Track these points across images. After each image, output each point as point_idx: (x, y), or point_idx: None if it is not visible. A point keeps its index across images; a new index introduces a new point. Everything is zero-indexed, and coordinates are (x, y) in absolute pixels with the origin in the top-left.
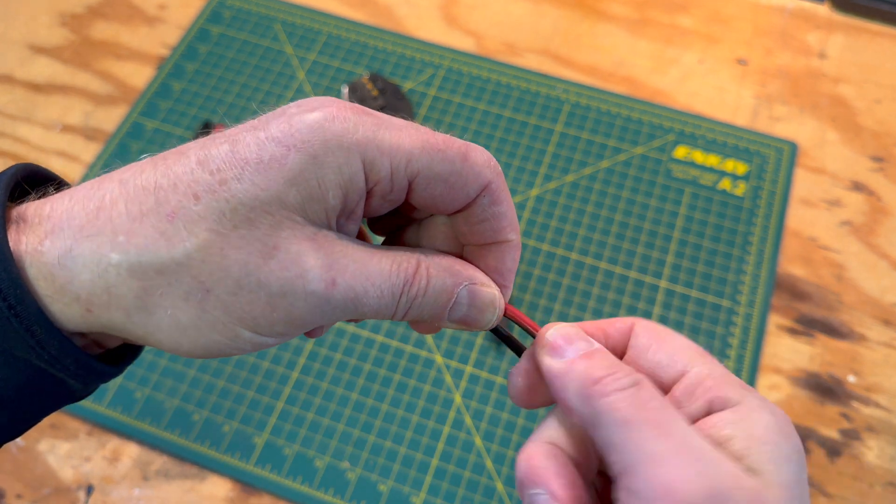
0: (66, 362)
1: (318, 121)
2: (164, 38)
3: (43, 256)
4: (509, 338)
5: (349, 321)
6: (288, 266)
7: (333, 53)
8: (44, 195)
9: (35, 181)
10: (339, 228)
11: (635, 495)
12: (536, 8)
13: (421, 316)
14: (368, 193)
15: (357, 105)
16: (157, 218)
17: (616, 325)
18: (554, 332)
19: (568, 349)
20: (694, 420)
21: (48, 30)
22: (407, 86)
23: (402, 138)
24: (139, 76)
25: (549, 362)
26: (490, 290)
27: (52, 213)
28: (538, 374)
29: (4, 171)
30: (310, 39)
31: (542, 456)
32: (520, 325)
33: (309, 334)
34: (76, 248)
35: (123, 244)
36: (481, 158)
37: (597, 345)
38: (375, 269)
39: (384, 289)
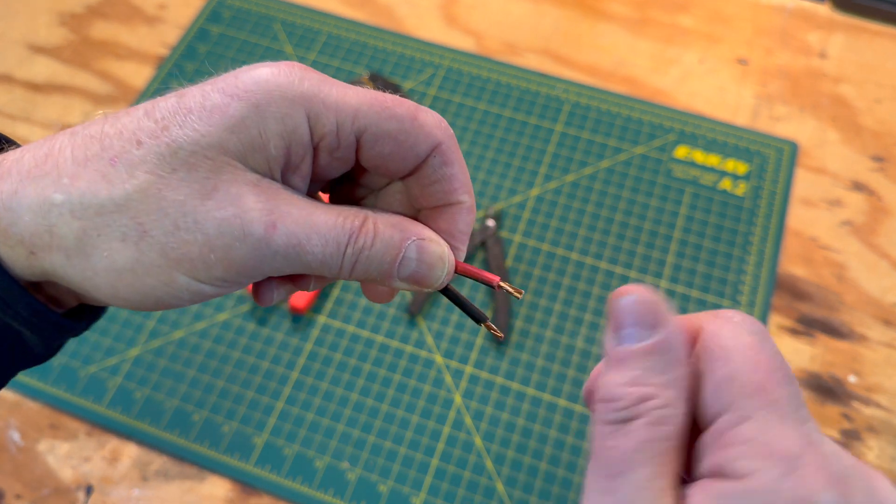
0: (18, 308)
1: (263, 75)
2: (163, 37)
3: None
4: (462, 301)
5: (295, 284)
6: (226, 206)
7: (333, 53)
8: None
9: None
10: (286, 183)
11: None
12: (536, 8)
13: (368, 272)
14: (315, 149)
15: (307, 66)
16: (101, 162)
17: (687, 325)
18: (630, 302)
19: (626, 331)
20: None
21: (48, 29)
22: (407, 85)
23: (349, 94)
24: (139, 76)
25: (607, 338)
26: (439, 246)
27: (2, 161)
28: None
29: None
30: (310, 39)
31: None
32: (476, 280)
33: (257, 298)
34: (21, 191)
35: (67, 186)
36: (432, 119)
37: (658, 336)
38: (321, 218)
39: (329, 238)
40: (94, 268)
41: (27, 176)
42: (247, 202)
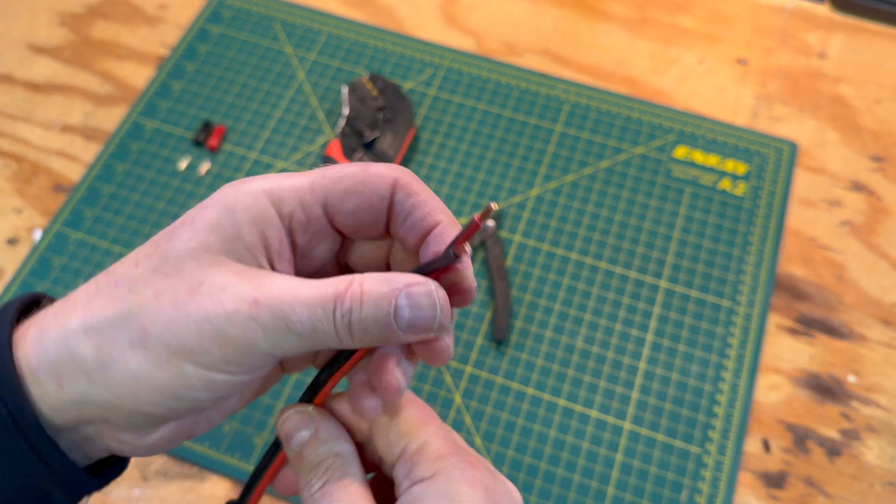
0: (54, 464)
1: (230, 186)
2: (164, 37)
3: (26, 345)
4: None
5: (290, 369)
6: (212, 295)
7: (333, 53)
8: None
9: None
10: (274, 270)
11: None
12: (536, 8)
13: (368, 332)
14: (291, 232)
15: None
16: (107, 289)
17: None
18: (285, 423)
19: (294, 439)
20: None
21: (48, 30)
22: (407, 86)
23: (301, 176)
24: (139, 76)
25: (288, 452)
26: (425, 286)
27: (40, 315)
28: None
29: (10, 302)
30: (310, 39)
31: None
32: (468, 235)
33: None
34: (46, 330)
35: (80, 314)
36: (383, 166)
37: (306, 434)
38: (304, 289)
39: (314, 303)
40: (113, 378)
41: (52, 317)
42: (230, 287)
